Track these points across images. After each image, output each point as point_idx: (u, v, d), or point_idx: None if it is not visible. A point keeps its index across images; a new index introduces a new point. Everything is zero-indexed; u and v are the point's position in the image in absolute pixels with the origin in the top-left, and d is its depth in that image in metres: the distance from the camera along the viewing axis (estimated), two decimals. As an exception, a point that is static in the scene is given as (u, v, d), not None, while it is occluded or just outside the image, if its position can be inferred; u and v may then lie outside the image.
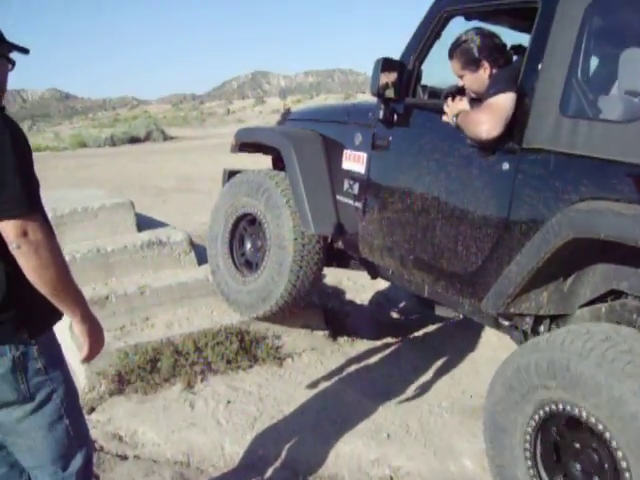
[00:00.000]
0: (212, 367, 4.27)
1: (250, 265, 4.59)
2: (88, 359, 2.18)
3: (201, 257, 5.20)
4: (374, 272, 4.22)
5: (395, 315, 5.91)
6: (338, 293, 6.12)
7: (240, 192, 4.52)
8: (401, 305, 6.04)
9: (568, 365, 2.52)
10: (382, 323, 5.89)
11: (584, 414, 2.48)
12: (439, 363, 4.61)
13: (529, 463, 2.77)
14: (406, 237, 3.55)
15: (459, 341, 4.97)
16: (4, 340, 2.00)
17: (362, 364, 4.59)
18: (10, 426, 2.13)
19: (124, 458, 3.48)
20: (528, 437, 2.75)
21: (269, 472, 3.38)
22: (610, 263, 2.81)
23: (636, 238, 2.38)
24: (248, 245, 4.63)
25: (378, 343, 5.00)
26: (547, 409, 2.64)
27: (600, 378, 2.41)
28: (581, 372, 2.47)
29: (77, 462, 2.24)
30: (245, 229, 4.63)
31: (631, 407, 2.31)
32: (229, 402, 3.95)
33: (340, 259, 4.59)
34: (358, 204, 3.91)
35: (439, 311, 4.19)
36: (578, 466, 2.63)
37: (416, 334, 5.32)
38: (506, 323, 3.24)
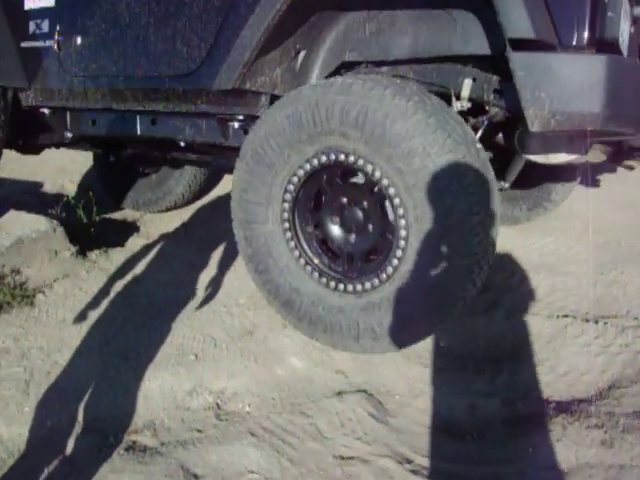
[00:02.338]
0: (-55, 335, 3.36)
1: None
2: None
3: None
4: (72, 127, 3.90)
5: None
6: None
7: None
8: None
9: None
10: (125, 223, 5.24)
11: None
12: (213, 252, 4.10)
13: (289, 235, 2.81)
14: (115, 56, 3.24)
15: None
16: None
17: (128, 277, 3.93)
18: None
19: None
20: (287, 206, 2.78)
21: (70, 444, 2.69)
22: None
23: None
24: None
25: (137, 248, 4.35)
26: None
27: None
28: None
29: None
30: None
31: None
32: (-15, 372, 3.13)
33: (27, 137, 4.15)
34: (51, 42, 3.50)
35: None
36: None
37: (173, 226, 4.75)
38: (236, 125, 3.19)
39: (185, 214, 5.03)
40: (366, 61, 2.83)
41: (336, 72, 2.92)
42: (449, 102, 2.68)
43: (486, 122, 2.71)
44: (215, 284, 3.69)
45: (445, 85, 2.70)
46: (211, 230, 4.40)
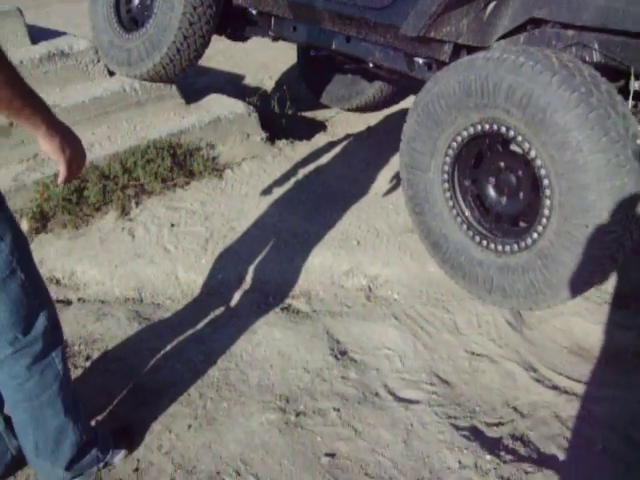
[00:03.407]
0: (146, 188, 3.79)
1: (136, 22, 4.38)
2: (68, 180, 1.72)
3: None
4: (275, 30, 4.10)
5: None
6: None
7: None
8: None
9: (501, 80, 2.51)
10: (314, 121, 5.49)
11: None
12: (391, 156, 4.25)
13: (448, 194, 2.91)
14: None
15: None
16: None
17: (309, 167, 4.18)
18: None
19: (67, 303, 3.06)
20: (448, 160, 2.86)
21: (235, 297, 3.04)
22: None
23: None
24: (136, 1, 4.38)
25: (321, 143, 4.58)
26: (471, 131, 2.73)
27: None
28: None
29: (40, 324, 1.83)
30: None
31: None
32: (173, 225, 3.52)
33: (235, 27, 4.46)
34: None
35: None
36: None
37: (358, 129, 4.94)
38: (421, 61, 3.24)
39: (371, 119, 5.18)
40: (554, 21, 2.73)
41: (522, 27, 2.86)
42: (627, 78, 2.60)
43: None
44: (383, 184, 3.86)
45: (627, 63, 2.58)
46: (391, 137, 4.51)
